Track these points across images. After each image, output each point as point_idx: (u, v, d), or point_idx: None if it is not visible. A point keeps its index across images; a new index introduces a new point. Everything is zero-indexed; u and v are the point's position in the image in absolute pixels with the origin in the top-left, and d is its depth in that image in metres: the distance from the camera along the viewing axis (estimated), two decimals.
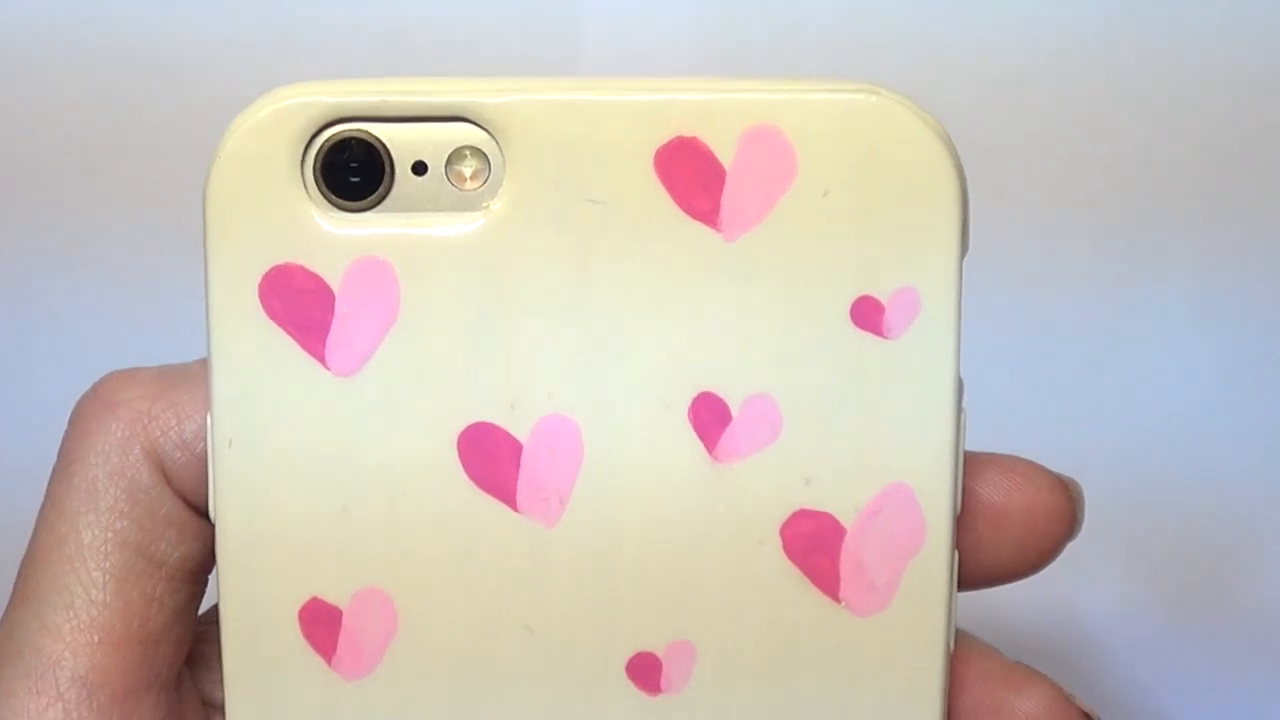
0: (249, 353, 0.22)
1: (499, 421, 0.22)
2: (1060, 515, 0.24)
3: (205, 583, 0.24)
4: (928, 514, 0.23)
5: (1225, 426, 0.40)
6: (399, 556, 0.23)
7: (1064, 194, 0.39)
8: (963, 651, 0.24)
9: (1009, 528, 0.24)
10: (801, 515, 0.23)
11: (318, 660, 0.23)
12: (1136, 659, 0.40)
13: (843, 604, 0.23)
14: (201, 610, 0.25)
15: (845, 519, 0.23)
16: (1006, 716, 0.23)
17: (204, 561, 0.24)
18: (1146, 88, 0.39)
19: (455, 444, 0.22)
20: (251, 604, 0.23)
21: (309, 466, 0.23)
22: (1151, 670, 0.40)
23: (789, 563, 0.23)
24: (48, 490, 0.24)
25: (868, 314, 0.22)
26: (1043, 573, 0.24)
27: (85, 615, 0.23)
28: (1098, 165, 0.39)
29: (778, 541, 0.23)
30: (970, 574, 0.24)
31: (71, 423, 0.24)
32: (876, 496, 0.23)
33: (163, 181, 0.38)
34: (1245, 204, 0.39)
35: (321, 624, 0.23)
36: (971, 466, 0.23)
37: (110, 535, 0.23)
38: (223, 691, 0.23)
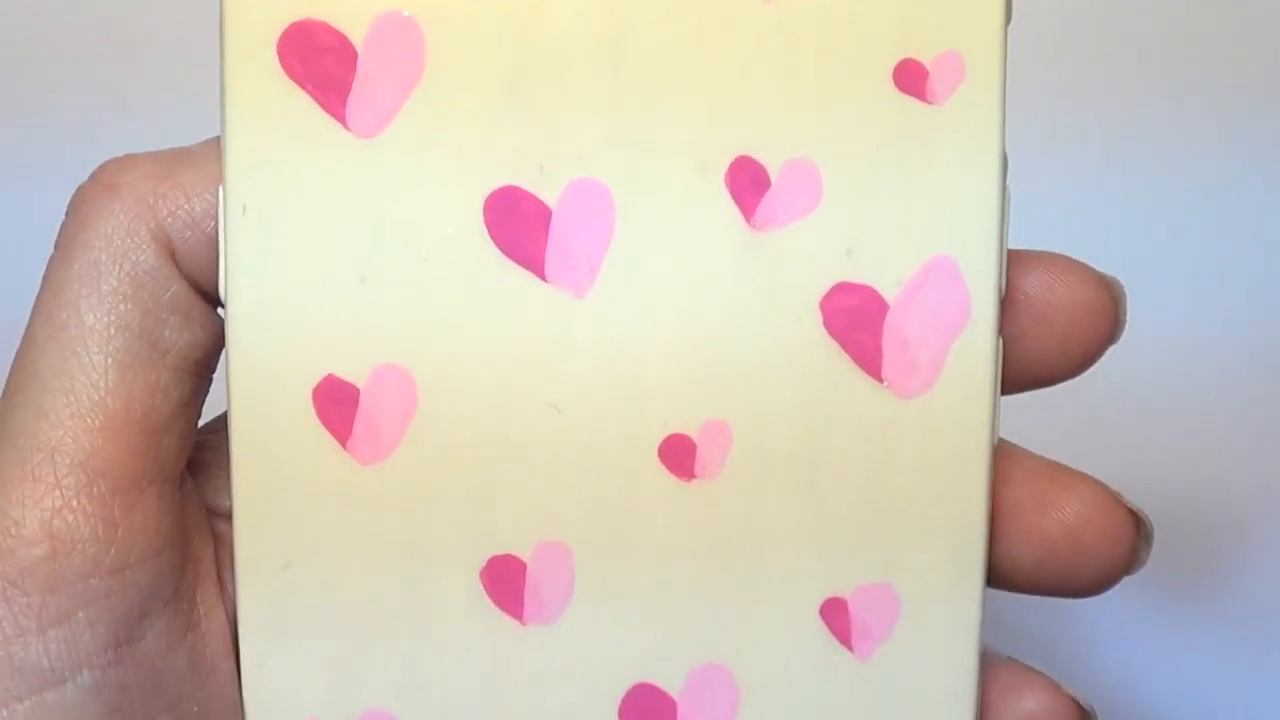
0: (266, 114, 0.21)
1: (527, 185, 0.21)
2: (1104, 312, 0.23)
3: (210, 378, 0.23)
4: (973, 290, 0.22)
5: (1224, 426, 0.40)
6: (420, 330, 0.22)
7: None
8: (1004, 450, 0.23)
9: (1053, 322, 0.23)
10: (842, 288, 0.22)
11: (332, 443, 0.22)
12: (1131, 650, 0.39)
13: (885, 384, 0.22)
14: (205, 421, 0.24)
15: (888, 293, 0.22)
16: (1053, 513, 0.22)
17: (210, 352, 0.23)
18: None
19: (481, 209, 0.21)
20: (262, 384, 0.22)
21: (326, 234, 0.21)
22: (1146, 661, 0.40)
23: (829, 339, 0.22)
24: (44, 279, 0.22)
25: (911, 77, 0.21)
26: None
27: (86, 400, 0.21)
28: None
29: (817, 316, 0.22)
30: (1013, 371, 0.23)
31: (70, 211, 0.23)
32: (920, 269, 0.22)
33: None
34: None
35: (337, 404, 0.22)
36: (1013, 260, 0.22)
37: (113, 319, 0.22)
38: (229, 487, 0.22)
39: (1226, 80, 0.38)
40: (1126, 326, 0.23)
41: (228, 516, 0.23)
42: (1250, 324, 0.39)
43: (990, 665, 0.23)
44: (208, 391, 0.23)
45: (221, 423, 0.24)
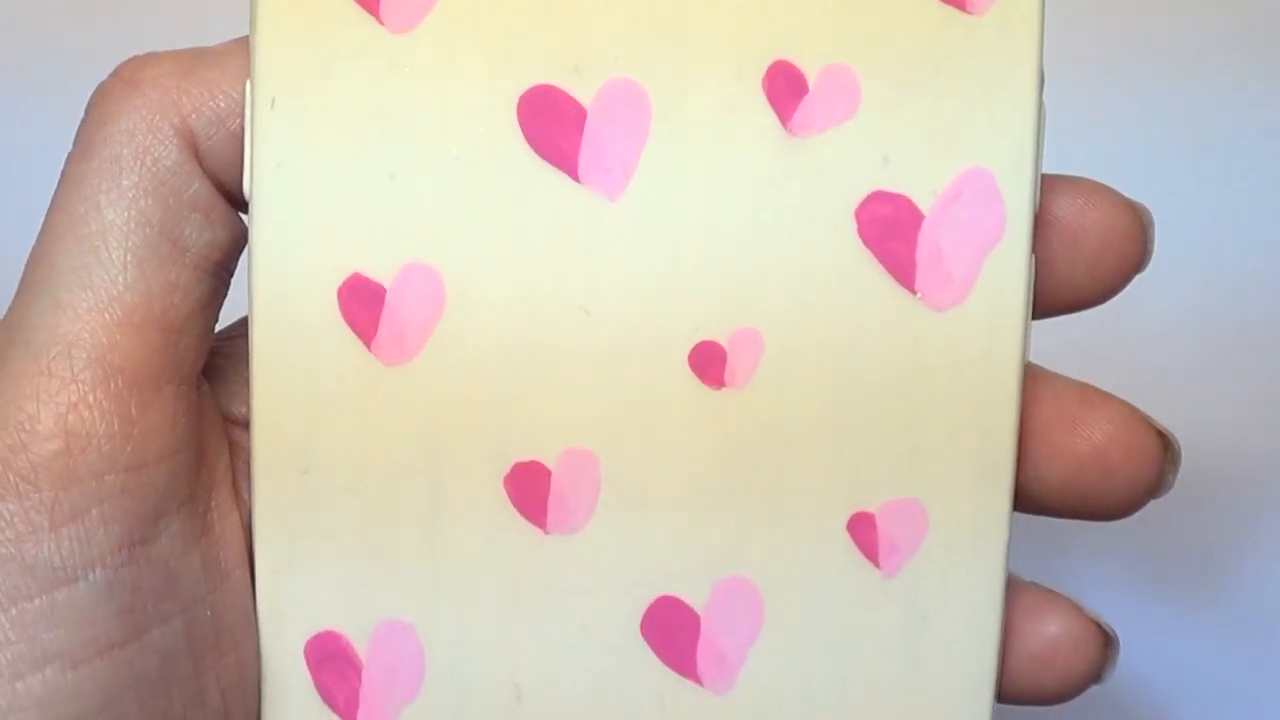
0: (298, 5, 0.21)
1: (562, 84, 0.21)
2: (1134, 238, 0.23)
3: (229, 281, 0.23)
4: (1009, 203, 0.21)
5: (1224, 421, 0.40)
6: (449, 229, 0.21)
7: None
8: (1032, 371, 0.23)
9: (1083, 245, 0.23)
10: (878, 197, 0.21)
11: (356, 344, 0.21)
12: (1136, 650, 0.39)
13: (918, 295, 0.22)
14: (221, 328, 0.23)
15: (923, 203, 0.21)
16: (1081, 432, 0.22)
17: (230, 253, 0.22)
18: None
19: (515, 107, 0.21)
20: (285, 282, 0.21)
21: (356, 129, 0.21)
22: (1151, 661, 0.40)
23: (864, 248, 0.21)
24: (63, 174, 0.22)
25: None
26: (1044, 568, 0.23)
27: (104, 295, 0.21)
28: None
29: (852, 225, 0.21)
30: (1043, 294, 0.23)
31: (90, 107, 0.22)
32: (956, 180, 0.21)
33: None
34: None
35: (363, 302, 0.21)
36: (1044, 184, 0.22)
37: (133, 215, 0.21)
38: (247, 395, 0.22)
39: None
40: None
41: (245, 425, 0.22)
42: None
43: (1013, 587, 0.23)
44: (226, 295, 0.23)
45: (239, 329, 0.23)
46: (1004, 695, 0.23)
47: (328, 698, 0.22)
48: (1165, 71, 0.38)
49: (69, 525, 0.20)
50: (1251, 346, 0.39)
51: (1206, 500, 0.39)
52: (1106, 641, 0.23)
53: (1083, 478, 0.22)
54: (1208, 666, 0.40)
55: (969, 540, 0.22)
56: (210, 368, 0.23)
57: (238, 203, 0.22)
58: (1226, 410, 0.39)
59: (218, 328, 0.23)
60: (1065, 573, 0.39)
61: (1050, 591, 0.23)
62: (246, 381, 0.22)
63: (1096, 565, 0.39)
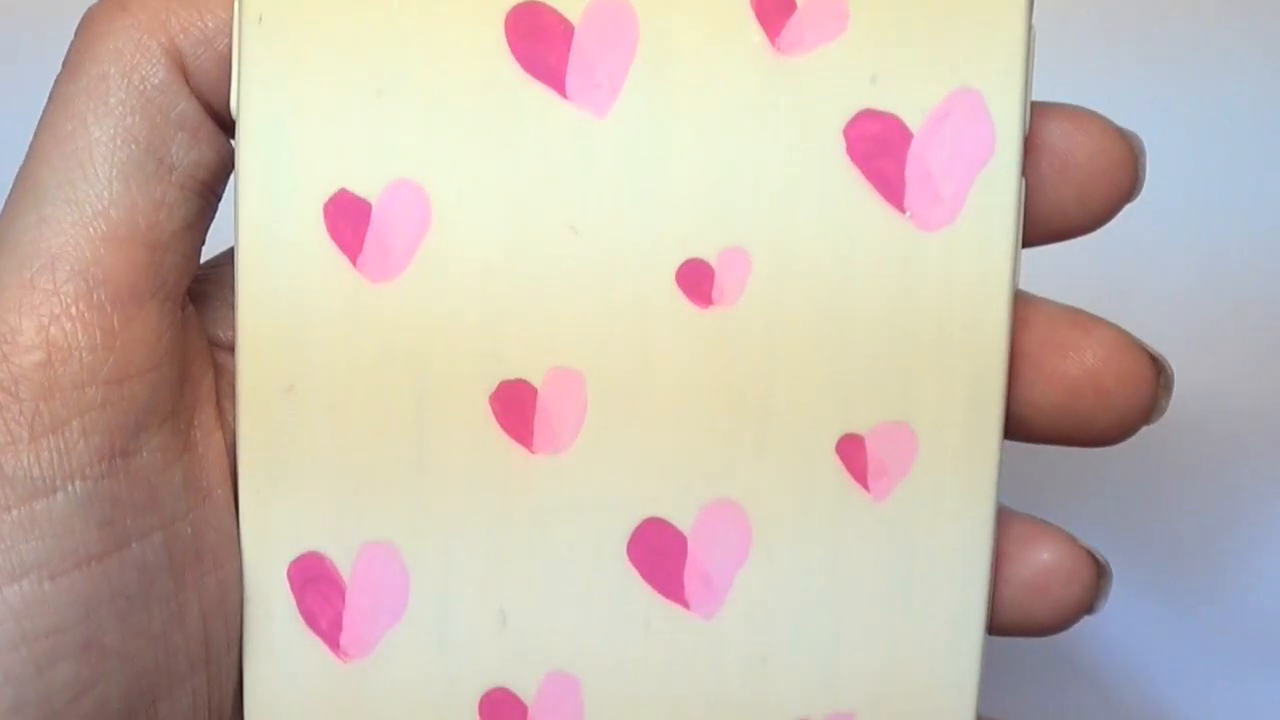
0: None
1: (550, 0, 0.21)
2: (1124, 165, 0.23)
3: (215, 204, 0.22)
4: (998, 124, 0.21)
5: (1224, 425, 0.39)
6: (436, 146, 0.21)
7: None
8: (1022, 297, 0.22)
9: (1073, 172, 0.22)
10: (866, 116, 0.21)
11: (342, 261, 0.21)
12: (1135, 649, 0.39)
13: (907, 214, 0.21)
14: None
15: (912, 122, 0.21)
16: (1073, 355, 0.22)
17: (217, 174, 0.22)
18: None
19: (503, 24, 0.21)
20: (271, 199, 0.21)
21: (343, 45, 0.21)
22: (1149, 660, 0.39)
23: (852, 167, 0.21)
24: (51, 95, 0.22)
25: None
26: None
27: (89, 209, 0.21)
28: None
29: (840, 143, 0.21)
30: (1033, 221, 0.22)
31: (79, 30, 0.22)
32: (945, 100, 0.21)
33: None
34: None
35: (348, 219, 0.21)
36: (1034, 111, 0.22)
37: (119, 132, 0.21)
38: (233, 319, 0.22)
39: None
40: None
41: (230, 349, 0.22)
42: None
43: (1004, 517, 0.23)
44: (213, 218, 0.22)
45: (226, 259, 0.23)
46: (996, 627, 0.23)
47: (310, 621, 0.22)
48: (1167, 47, 0.38)
49: (49, 436, 0.20)
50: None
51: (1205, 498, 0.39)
52: (1099, 571, 0.23)
53: (1075, 402, 0.22)
54: (1208, 665, 0.39)
55: (959, 464, 0.22)
56: (197, 293, 0.23)
57: (226, 126, 0.22)
58: (1229, 379, 0.38)
59: (206, 258, 0.23)
60: None
61: (1042, 521, 0.23)
62: (232, 306, 0.22)
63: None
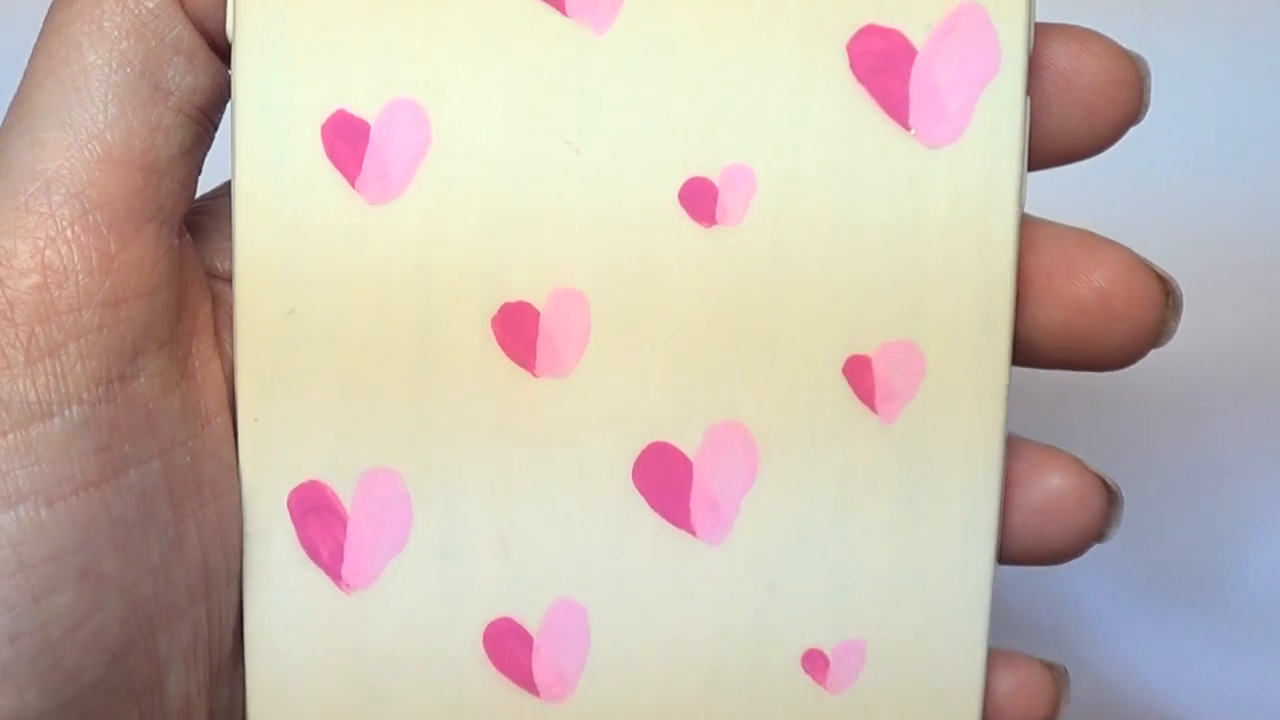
0: None
1: None
2: (1129, 86, 0.22)
3: (213, 130, 0.22)
4: (1002, 38, 0.21)
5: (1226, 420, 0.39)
6: (435, 63, 0.21)
7: None
8: (1029, 220, 0.22)
9: (1078, 92, 0.22)
10: (870, 31, 0.21)
11: (340, 182, 0.21)
12: (1132, 641, 0.39)
13: (912, 131, 0.21)
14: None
15: (916, 38, 0.21)
16: (1081, 275, 0.22)
17: (214, 100, 0.22)
18: None
19: None
20: (269, 120, 0.21)
21: None
22: (1146, 652, 0.39)
23: (856, 83, 0.21)
24: (46, 22, 0.22)
25: None
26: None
27: (84, 132, 0.21)
28: None
29: (844, 59, 0.21)
30: (1038, 141, 0.22)
31: None
32: (949, 15, 0.21)
33: None
34: None
35: (347, 139, 0.21)
36: (1037, 31, 0.22)
37: (114, 55, 0.21)
38: (230, 249, 0.21)
39: None
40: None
41: (228, 279, 0.22)
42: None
43: (1014, 444, 0.22)
44: (210, 144, 0.22)
45: (223, 190, 0.23)
46: (1006, 554, 0.22)
47: (311, 551, 0.22)
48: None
49: (45, 360, 0.20)
50: None
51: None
52: (1111, 498, 0.22)
53: (1083, 323, 0.22)
54: (1207, 665, 0.39)
55: (968, 384, 0.21)
56: (194, 224, 0.22)
57: (222, 53, 0.22)
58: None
59: (205, 190, 0.23)
60: (1063, 573, 0.39)
61: (1052, 448, 0.23)
62: (230, 238, 0.21)
63: (1094, 561, 0.38)
